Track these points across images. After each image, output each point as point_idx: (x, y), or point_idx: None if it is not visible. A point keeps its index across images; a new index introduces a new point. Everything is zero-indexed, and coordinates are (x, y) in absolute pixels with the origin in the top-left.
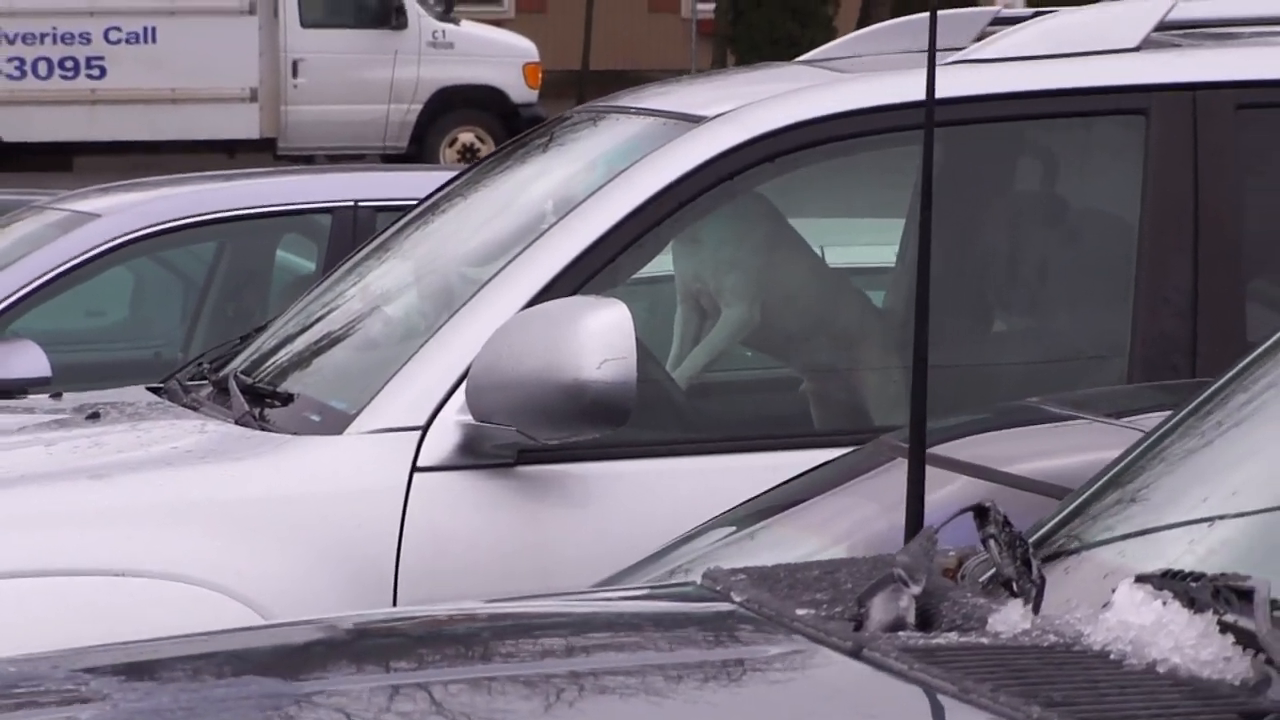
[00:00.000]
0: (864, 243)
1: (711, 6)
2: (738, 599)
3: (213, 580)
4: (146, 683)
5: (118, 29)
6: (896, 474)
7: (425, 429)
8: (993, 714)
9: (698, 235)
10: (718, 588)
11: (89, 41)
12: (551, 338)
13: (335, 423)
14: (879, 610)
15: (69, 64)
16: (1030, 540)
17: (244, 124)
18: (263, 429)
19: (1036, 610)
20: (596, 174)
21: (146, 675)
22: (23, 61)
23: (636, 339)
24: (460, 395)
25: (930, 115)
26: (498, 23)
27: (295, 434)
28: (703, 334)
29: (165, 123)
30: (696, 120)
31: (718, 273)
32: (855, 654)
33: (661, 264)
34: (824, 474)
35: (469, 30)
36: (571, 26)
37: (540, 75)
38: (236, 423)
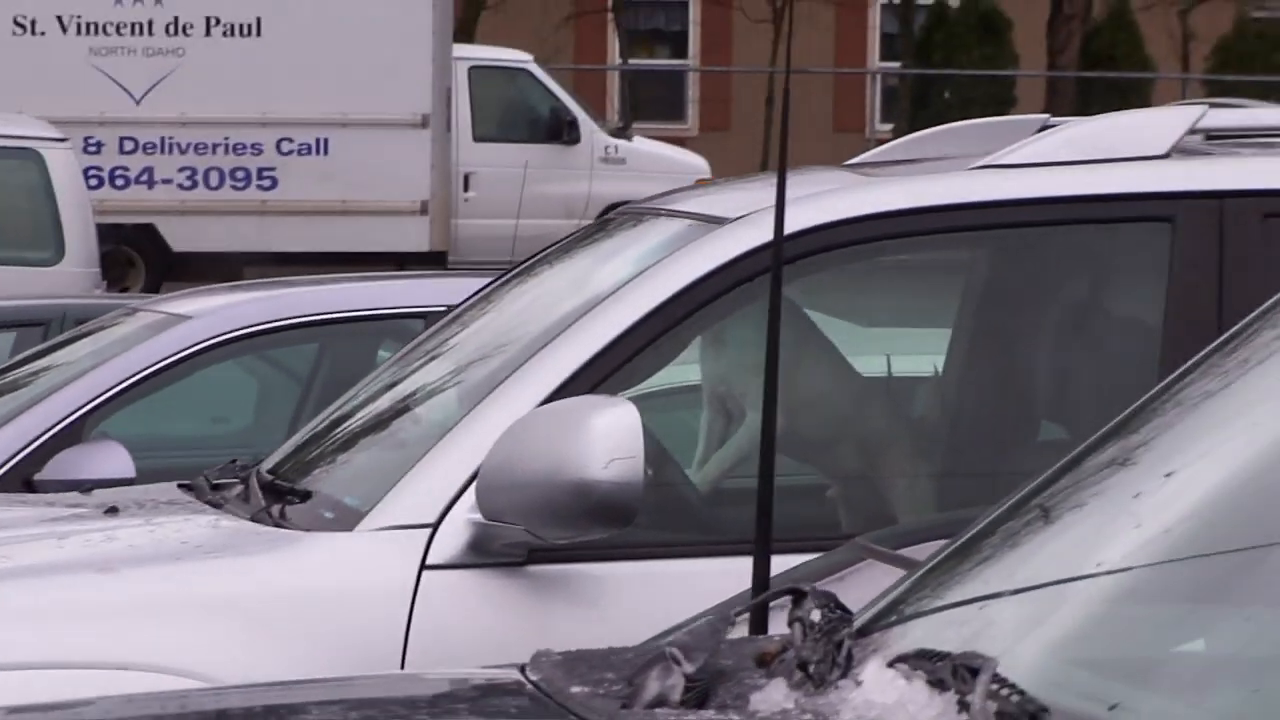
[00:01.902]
0: (881, 351)
1: (891, 127)
2: (532, 676)
3: (213, 676)
4: None
5: (289, 140)
6: (867, 574)
7: (435, 527)
8: None
9: (722, 338)
10: (526, 666)
11: (261, 152)
12: (559, 437)
13: (347, 519)
14: (647, 688)
15: (240, 174)
16: (856, 624)
17: (414, 237)
18: (277, 525)
19: (847, 687)
20: (620, 275)
21: None
22: (194, 171)
23: (655, 441)
24: (471, 494)
25: (778, 252)
26: (681, 140)
27: (307, 530)
28: (728, 437)
29: (335, 234)
30: (719, 222)
31: (742, 376)
32: None
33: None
34: (798, 574)
35: (641, 146)
36: (754, 144)
37: None
38: (251, 519)
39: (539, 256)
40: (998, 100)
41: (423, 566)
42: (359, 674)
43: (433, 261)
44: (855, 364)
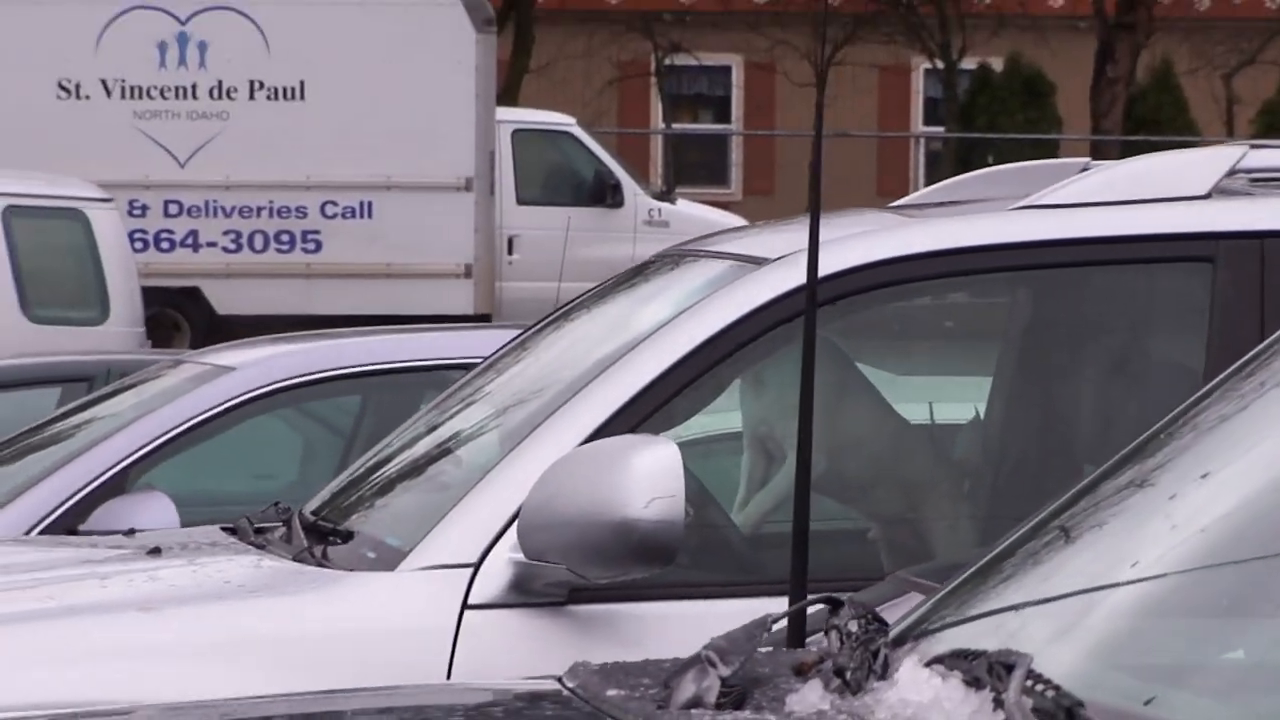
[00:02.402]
0: (921, 392)
1: None
2: (570, 685)
3: None
4: None
5: (334, 203)
6: (908, 606)
7: (477, 566)
8: None
9: (762, 379)
10: (563, 675)
11: (305, 215)
12: (600, 476)
13: (389, 559)
14: (682, 690)
15: (285, 238)
16: (892, 633)
17: (458, 300)
18: (319, 565)
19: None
20: (660, 316)
21: None
22: (239, 234)
23: (697, 482)
24: (513, 533)
25: (812, 296)
26: (725, 204)
27: (349, 570)
28: (769, 479)
29: (379, 298)
30: (759, 263)
31: (782, 417)
32: None
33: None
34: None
35: (684, 210)
36: (797, 209)
37: None
38: (293, 559)
39: (579, 301)
40: None
41: (465, 606)
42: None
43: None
44: (895, 405)
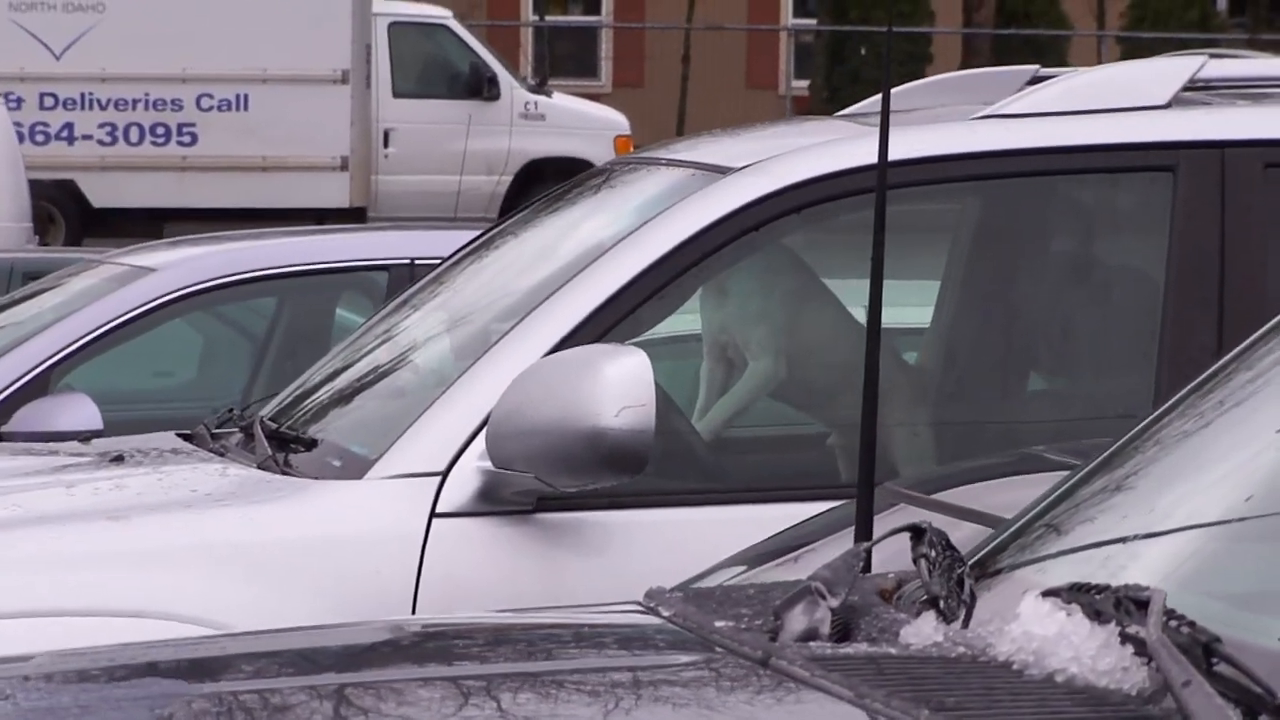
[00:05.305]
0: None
1: (807, 84)
2: (665, 614)
3: (225, 623)
4: (53, 684)
5: (210, 96)
6: (896, 519)
7: (445, 475)
8: (884, 718)
9: (724, 287)
10: (653, 604)
11: (181, 108)
12: (570, 385)
13: (356, 468)
14: (794, 621)
15: (160, 130)
16: (969, 561)
17: (334, 193)
18: (284, 473)
19: (966, 625)
20: (623, 225)
21: (57, 679)
22: (114, 127)
23: (660, 390)
24: (481, 442)
25: (882, 177)
26: (594, 96)
27: (315, 478)
28: (729, 386)
29: (255, 190)
30: (723, 171)
31: (744, 325)
32: (763, 663)
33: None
34: (827, 519)
35: (560, 103)
36: (667, 102)
37: (631, 148)
38: (258, 467)
39: (535, 205)
40: (914, 58)
41: (433, 514)
42: (453, 614)
43: (352, 217)
44: (857, 313)
